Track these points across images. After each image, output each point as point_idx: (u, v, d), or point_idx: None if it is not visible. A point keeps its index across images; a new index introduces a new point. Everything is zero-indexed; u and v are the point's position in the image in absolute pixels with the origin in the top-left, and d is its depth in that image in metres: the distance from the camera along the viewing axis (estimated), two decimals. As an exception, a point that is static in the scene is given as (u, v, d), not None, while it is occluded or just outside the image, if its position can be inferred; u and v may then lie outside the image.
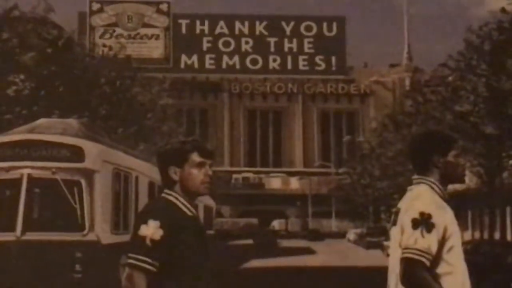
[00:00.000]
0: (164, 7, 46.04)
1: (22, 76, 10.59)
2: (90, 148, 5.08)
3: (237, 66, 46.75)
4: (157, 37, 45.54)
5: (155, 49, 45.45)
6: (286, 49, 46.99)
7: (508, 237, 16.02)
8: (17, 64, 10.64)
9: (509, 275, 5.88)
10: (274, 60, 46.81)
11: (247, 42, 46.96)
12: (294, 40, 47.04)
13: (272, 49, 46.79)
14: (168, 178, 1.32)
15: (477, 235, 19.29)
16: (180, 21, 46.17)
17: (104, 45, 18.00)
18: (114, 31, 44.35)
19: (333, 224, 36.77)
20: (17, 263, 4.79)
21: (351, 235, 26.95)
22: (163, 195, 1.34)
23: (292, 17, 47.74)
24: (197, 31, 46.51)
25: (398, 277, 1.26)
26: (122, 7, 45.23)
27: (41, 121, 5.60)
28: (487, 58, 12.27)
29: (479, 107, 12.24)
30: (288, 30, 47.22)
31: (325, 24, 47.24)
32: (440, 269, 1.25)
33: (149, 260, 1.25)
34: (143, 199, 5.79)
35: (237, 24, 47.08)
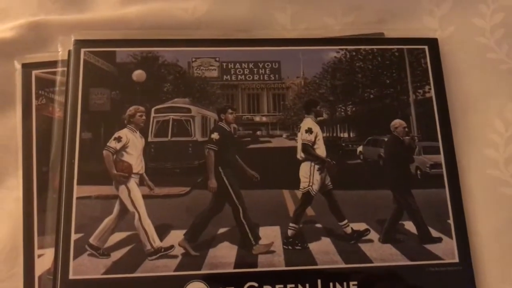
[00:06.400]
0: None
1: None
2: (192, 108, 10.91)
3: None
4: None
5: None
6: None
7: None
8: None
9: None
10: None
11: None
12: None
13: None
14: (220, 118, 2.50)
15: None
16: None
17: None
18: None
19: (278, 132, 44.03)
20: (169, 150, 11.15)
21: (284, 135, 36.09)
22: (218, 123, 2.50)
23: None
24: None
25: (301, 149, 2.31)
26: None
27: (176, 99, 13.11)
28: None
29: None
30: None
31: None
32: (315, 146, 2.29)
33: (215, 146, 2.39)
34: (211, 125, 13.10)
35: None
